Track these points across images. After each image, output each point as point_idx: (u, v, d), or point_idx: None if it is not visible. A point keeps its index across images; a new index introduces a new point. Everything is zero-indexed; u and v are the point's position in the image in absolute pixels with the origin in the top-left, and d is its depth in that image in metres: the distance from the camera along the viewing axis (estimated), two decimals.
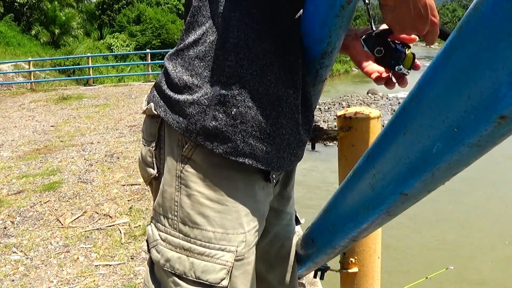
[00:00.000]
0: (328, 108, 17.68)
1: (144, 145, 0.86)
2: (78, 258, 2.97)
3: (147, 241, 0.85)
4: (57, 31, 21.04)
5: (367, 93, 22.51)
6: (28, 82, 13.49)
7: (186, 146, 0.78)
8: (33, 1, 20.27)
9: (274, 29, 0.76)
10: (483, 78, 0.31)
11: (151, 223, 0.85)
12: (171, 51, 0.84)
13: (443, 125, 0.37)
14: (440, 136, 0.38)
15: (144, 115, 0.89)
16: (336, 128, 1.33)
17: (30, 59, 14.39)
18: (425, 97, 0.40)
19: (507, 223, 7.21)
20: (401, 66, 0.72)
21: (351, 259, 1.39)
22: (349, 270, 1.39)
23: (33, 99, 10.78)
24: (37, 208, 3.87)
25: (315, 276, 1.52)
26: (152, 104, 0.82)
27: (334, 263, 1.36)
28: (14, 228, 3.51)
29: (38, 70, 14.91)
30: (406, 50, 0.74)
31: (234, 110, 0.74)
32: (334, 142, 1.36)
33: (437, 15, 0.69)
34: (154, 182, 0.87)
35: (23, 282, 2.73)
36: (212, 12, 0.77)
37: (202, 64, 0.77)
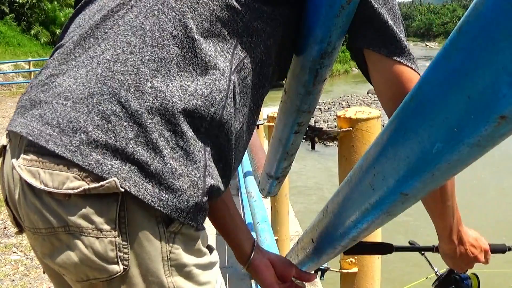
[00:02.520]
0: (328, 108, 17.67)
1: (98, 238, 0.59)
2: None
3: None
4: (57, 31, 21.01)
5: (367, 93, 22.50)
6: (28, 82, 13.47)
7: (175, 222, 0.62)
8: (33, 1, 20.26)
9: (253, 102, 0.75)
10: (483, 78, 0.31)
11: None
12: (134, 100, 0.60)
13: (443, 125, 0.37)
14: (440, 136, 0.38)
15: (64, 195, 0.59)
16: (336, 128, 1.33)
17: (30, 59, 14.41)
18: (425, 97, 0.40)
19: (508, 221, 7.21)
20: None
21: (351, 259, 1.39)
22: (349, 270, 1.39)
23: None
24: None
25: None
26: (115, 179, 0.57)
27: (334, 263, 1.36)
28: (14, 228, 3.51)
29: (38, 70, 14.80)
30: (469, 275, 0.90)
31: (213, 181, 0.65)
32: (334, 142, 1.36)
33: (485, 245, 0.92)
34: (113, 282, 0.62)
35: (23, 282, 2.73)
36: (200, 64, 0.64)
37: (189, 120, 0.61)
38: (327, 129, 1.32)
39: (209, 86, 0.63)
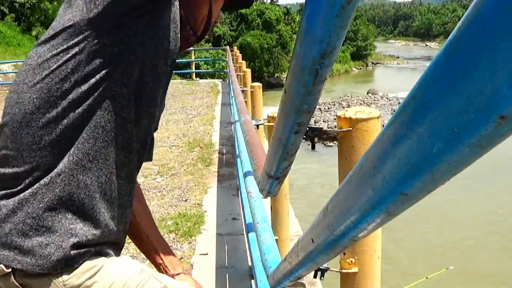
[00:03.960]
0: (328, 108, 17.67)
1: None
2: None
3: None
4: None
5: (367, 93, 22.50)
6: None
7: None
8: (34, 1, 20.26)
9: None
10: (483, 78, 0.31)
11: None
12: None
13: (443, 125, 0.37)
14: (440, 136, 0.38)
15: None
16: (336, 128, 1.33)
17: None
18: (425, 97, 0.40)
19: (508, 221, 7.21)
20: None
21: (351, 259, 1.39)
22: (349, 270, 1.39)
23: None
24: None
25: (315, 276, 1.52)
26: (1, 265, 0.83)
27: (334, 263, 1.36)
28: None
29: None
30: None
31: (77, 239, 0.86)
32: (334, 142, 1.36)
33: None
34: None
35: None
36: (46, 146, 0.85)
37: (41, 206, 0.83)
38: (327, 129, 1.32)
39: (47, 177, 0.84)
